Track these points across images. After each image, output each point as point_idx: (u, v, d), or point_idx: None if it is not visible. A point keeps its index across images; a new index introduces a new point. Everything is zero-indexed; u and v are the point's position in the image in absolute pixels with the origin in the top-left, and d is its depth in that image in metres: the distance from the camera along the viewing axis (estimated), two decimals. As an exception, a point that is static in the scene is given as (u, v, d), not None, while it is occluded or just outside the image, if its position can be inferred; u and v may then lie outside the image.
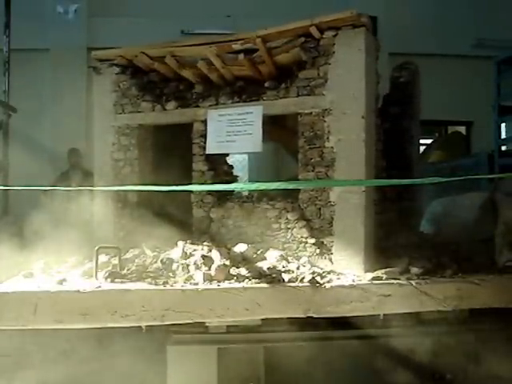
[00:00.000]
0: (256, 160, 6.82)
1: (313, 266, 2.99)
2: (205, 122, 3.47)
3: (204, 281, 2.71)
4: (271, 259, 3.02)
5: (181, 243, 3.15)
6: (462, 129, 9.48)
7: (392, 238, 3.49)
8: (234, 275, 2.80)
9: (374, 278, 2.81)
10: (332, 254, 3.09)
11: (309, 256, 3.13)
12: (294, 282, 2.73)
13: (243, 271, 2.84)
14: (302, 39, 3.14)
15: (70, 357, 2.81)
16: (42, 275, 3.00)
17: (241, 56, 3.24)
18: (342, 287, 2.72)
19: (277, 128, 4.00)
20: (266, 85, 3.33)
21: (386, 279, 2.81)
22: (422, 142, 6.93)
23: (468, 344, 2.96)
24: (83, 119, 7.39)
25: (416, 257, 3.13)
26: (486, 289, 2.82)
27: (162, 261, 2.97)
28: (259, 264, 2.93)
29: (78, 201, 3.61)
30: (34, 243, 3.16)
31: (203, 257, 2.93)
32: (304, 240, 3.18)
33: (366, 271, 2.95)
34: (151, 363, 2.81)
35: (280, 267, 2.90)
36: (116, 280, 2.76)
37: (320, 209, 3.13)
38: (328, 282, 2.75)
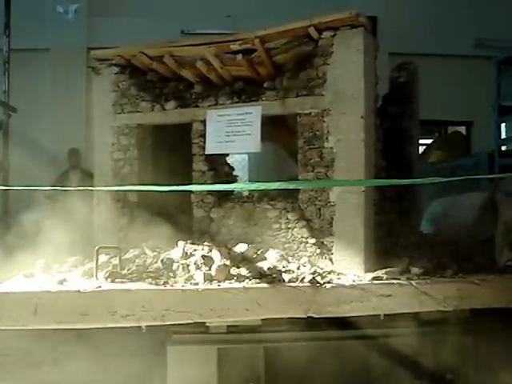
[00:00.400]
0: (256, 160, 6.82)
1: (313, 266, 2.99)
2: (204, 122, 3.47)
3: (204, 281, 2.71)
4: (271, 259, 3.02)
5: (181, 243, 3.15)
6: (462, 129, 9.48)
7: (392, 238, 3.49)
8: (235, 275, 2.80)
9: (374, 278, 2.81)
10: (332, 254, 3.09)
11: (309, 256, 3.13)
12: (294, 282, 2.73)
13: (243, 271, 2.84)
14: (301, 40, 3.14)
15: (70, 357, 2.81)
16: (42, 275, 3.00)
17: (239, 56, 3.24)
18: (342, 287, 2.72)
19: (276, 128, 4.00)
20: (265, 85, 3.33)
21: (387, 279, 2.81)
22: (422, 141, 6.97)
23: (468, 344, 2.96)
24: (83, 119, 7.40)
25: (416, 257, 3.13)
26: (487, 289, 2.82)
27: (162, 261, 2.97)
28: (259, 264, 2.93)
29: (77, 201, 3.61)
30: (33, 243, 3.16)
31: (203, 257, 2.93)
32: (304, 240, 3.18)
33: (367, 271, 2.95)
34: (151, 363, 2.81)
35: (280, 267, 2.90)
36: (116, 280, 2.76)
37: (320, 209, 3.14)
38: (328, 282, 2.75)
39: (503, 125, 7.18)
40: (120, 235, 3.60)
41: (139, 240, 3.31)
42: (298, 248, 3.19)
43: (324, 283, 2.72)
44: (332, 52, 3.09)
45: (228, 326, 2.81)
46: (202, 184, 3.44)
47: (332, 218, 3.09)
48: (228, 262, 2.88)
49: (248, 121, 3.33)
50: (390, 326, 2.88)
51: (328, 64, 3.10)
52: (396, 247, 3.39)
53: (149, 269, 2.92)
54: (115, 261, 2.95)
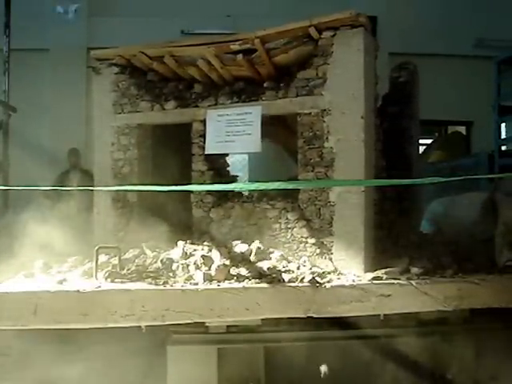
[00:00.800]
0: (256, 160, 6.82)
1: (313, 266, 2.99)
2: (204, 121, 3.47)
3: (204, 281, 2.71)
4: (271, 259, 3.01)
5: (181, 243, 3.15)
6: (462, 129, 9.48)
7: (392, 237, 3.49)
8: (234, 275, 2.80)
9: (374, 278, 2.81)
10: (332, 253, 3.09)
11: (309, 256, 3.13)
12: (294, 281, 2.73)
13: (243, 271, 2.84)
14: (301, 40, 3.14)
15: (70, 357, 2.81)
16: (42, 275, 3.00)
17: (239, 56, 3.24)
18: (342, 287, 2.72)
19: (276, 128, 4.00)
20: (265, 85, 3.33)
21: (386, 279, 2.80)
22: (422, 141, 6.95)
23: (468, 344, 2.96)
24: (83, 119, 7.40)
25: (416, 257, 3.13)
26: (486, 289, 2.82)
27: (162, 261, 2.97)
28: (259, 264, 2.93)
29: (77, 201, 3.61)
30: (33, 243, 3.16)
31: (203, 257, 2.93)
32: (304, 240, 3.18)
33: (366, 271, 2.95)
34: (151, 363, 2.81)
35: (280, 267, 2.90)
36: (116, 280, 2.76)
37: (320, 209, 3.13)
38: (328, 281, 2.75)
39: (503, 125, 7.18)
40: (120, 235, 3.60)
41: (139, 240, 3.31)
42: (297, 248, 3.19)
43: (324, 283, 2.72)
44: (332, 52, 3.09)
45: (228, 325, 2.82)
46: (202, 184, 3.44)
47: (332, 218, 3.09)
48: (228, 262, 2.88)
49: (248, 121, 3.33)
50: (390, 326, 2.88)
51: (328, 64, 3.10)
52: (396, 247, 3.39)
53: (148, 269, 2.92)
54: (115, 261, 2.95)
